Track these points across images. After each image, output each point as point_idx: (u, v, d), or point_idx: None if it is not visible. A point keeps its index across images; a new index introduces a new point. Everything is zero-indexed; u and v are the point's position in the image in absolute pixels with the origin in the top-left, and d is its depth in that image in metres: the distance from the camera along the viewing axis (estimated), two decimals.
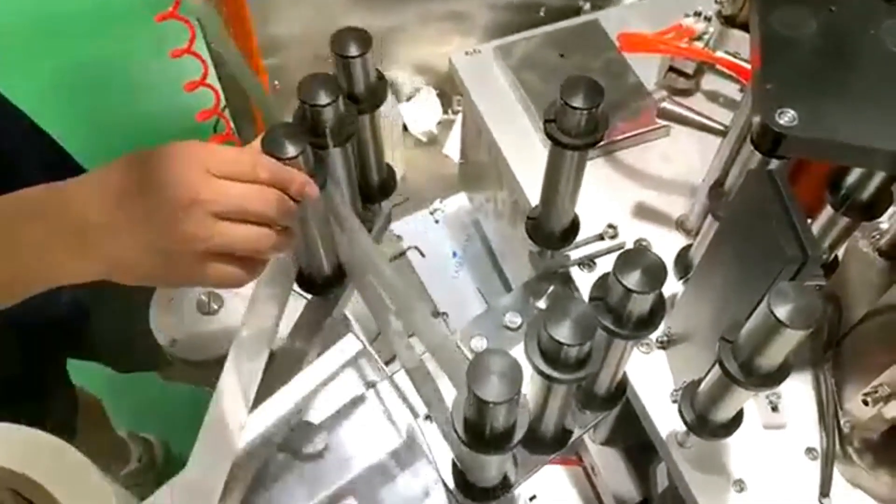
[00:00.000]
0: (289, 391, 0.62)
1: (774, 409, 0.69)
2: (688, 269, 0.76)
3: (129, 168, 0.51)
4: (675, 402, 0.69)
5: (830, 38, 0.60)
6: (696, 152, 0.86)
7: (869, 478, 0.65)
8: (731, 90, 0.91)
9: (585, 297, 0.65)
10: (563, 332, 0.48)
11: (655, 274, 0.51)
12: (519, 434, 0.50)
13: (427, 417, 0.66)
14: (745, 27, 0.80)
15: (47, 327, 0.94)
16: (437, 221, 1.17)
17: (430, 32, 1.12)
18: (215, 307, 0.74)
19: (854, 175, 0.63)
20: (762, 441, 0.69)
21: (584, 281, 0.77)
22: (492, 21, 1.12)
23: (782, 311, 0.48)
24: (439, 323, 1.01)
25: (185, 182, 0.50)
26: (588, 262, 0.79)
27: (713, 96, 0.91)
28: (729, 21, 0.81)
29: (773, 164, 0.60)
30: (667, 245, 0.79)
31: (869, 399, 0.62)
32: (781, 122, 0.55)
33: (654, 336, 0.73)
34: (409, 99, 1.22)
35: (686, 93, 0.90)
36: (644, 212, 0.82)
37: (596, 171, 0.84)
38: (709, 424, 0.62)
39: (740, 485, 0.66)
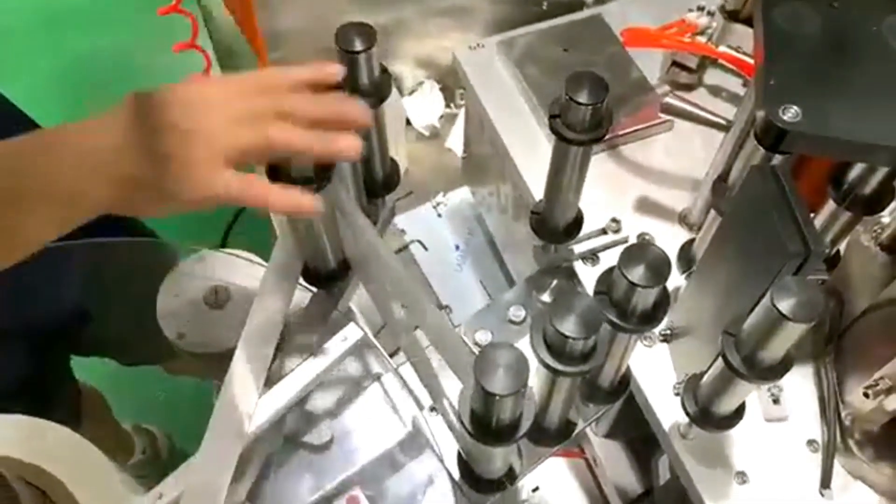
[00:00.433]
0: (293, 382, 0.62)
1: (776, 401, 0.70)
2: (691, 264, 0.77)
3: (138, 110, 0.47)
4: (677, 394, 0.69)
5: (833, 35, 0.60)
6: (699, 147, 0.87)
7: (869, 470, 0.66)
8: (734, 85, 0.91)
9: (589, 291, 0.65)
10: (568, 326, 0.48)
11: (659, 268, 0.51)
12: (525, 426, 0.50)
13: (432, 409, 0.66)
14: (748, 22, 0.80)
15: (52, 331, 0.94)
16: (439, 215, 1.18)
17: (433, 27, 1.12)
18: (222, 301, 0.74)
19: (856, 170, 0.63)
20: (764, 433, 0.69)
21: (588, 275, 0.78)
22: (495, 15, 1.12)
23: (785, 305, 0.48)
24: (444, 316, 1.02)
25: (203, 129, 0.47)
26: (591, 257, 0.79)
27: (716, 91, 0.91)
28: (732, 16, 0.81)
29: (777, 159, 0.60)
30: (670, 239, 0.80)
31: (870, 392, 0.62)
32: (785, 117, 0.55)
33: (656, 329, 0.74)
34: (411, 93, 1.22)
35: (689, 88, 0.90)
36: (647, 206, 0.83)
37: (599, 166, 0.84)
38: (711, 417, 0.62)
39: (742, 477, 0.67)
